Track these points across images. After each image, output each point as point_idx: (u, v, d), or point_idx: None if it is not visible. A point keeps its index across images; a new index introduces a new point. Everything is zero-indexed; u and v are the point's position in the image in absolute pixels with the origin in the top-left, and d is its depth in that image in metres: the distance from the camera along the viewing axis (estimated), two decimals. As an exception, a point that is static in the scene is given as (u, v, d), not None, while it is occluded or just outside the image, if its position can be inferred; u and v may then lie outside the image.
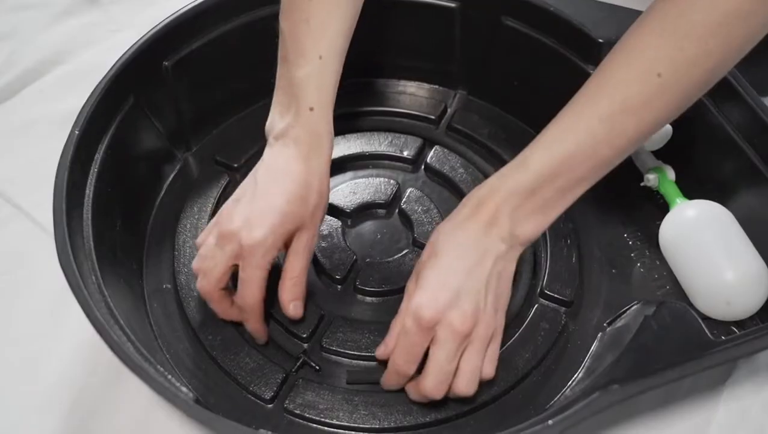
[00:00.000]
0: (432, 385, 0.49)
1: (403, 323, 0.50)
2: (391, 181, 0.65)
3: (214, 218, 0.55)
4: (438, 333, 0.49)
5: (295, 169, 0.53)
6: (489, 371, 0.51)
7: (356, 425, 0.52)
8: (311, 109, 0.54)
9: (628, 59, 0.48)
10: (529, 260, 0.61)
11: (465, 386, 0.50)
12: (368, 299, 0.59)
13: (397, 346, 0.50)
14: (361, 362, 0.55)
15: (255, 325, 0.54)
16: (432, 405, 0.52)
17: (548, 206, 0.50)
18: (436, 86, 0.75)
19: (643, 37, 0.47)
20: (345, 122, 0.71)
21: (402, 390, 0.52)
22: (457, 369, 0.49)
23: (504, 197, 0.49)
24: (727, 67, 0.47)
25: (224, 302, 0.54)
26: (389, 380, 0.52)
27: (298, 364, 0.55)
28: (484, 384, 0.52)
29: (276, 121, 0.55)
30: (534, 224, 0.50)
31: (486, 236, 0.50)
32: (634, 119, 0.47)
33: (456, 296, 0.48)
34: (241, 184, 0.55)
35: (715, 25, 0.44)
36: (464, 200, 0.52)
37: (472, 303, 0.49)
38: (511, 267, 0.52)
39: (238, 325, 0.56)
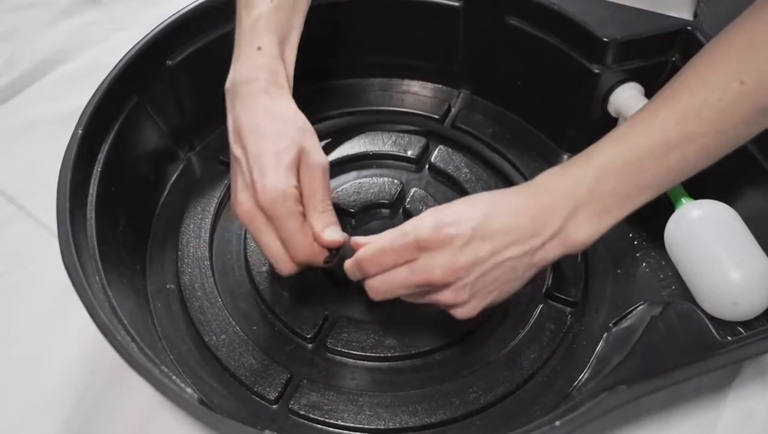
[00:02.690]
0: (374, 287, 0.47)
1: (399, 227, 0.47)
2: (395, 181, 0.65)
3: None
4: (419, 260, 0.45)
5: (262, 110, 0.50)
6: (400, 294, 0.48)
7: (361, 426, 0.51)
8: (259, 48, 0.52)
9: (709, 69, 0.46)
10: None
11: (378, 286, 0.47)
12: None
13: (378, 240, 0.47)
14: (366, 362, 0.55)
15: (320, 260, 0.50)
16: (437, 405, 0.52)
17: (605, 211, 0.46)
18: (440, 86, 0.75)
19: (730, 47, 0.46)
20: (349, 122, 0.72)
21: (403, 389, 0.53)
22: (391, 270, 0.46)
23: (562, 193, 0.46)
24: None
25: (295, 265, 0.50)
26: (348, 266, 0.49)
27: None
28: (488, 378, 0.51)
29: (230, 71, 0.53)
30: (587, 231, 0.47)
31: (528, 221, 0.46)
32: (711, 127, 0.45)
33: (463, 244, 0.45)
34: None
35: None
36: (519, 185, 0.49)
37: (467, 262, 0.45)
38: (526, 274, 0.48)
39: (242, 325, 0.56)
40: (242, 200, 0.49)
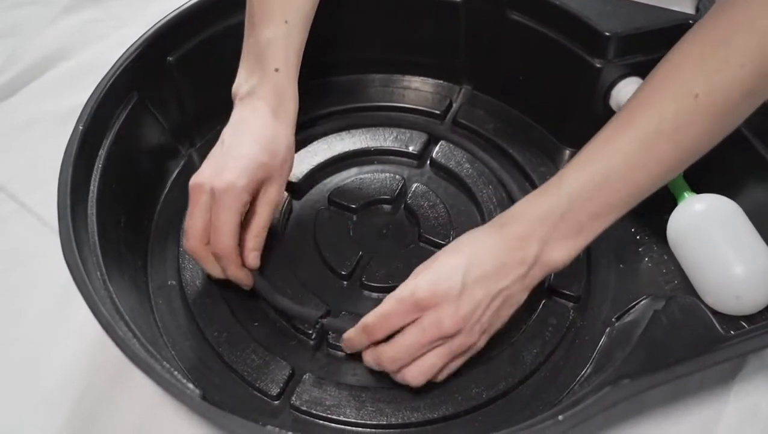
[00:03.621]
0: (391, 357, 0.49)
1: (395, 294, 0.49)
2: (397, 176, 0.65)
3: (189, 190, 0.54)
4: (423, 319, 0.48)
5: (262, 123, 0.55)
6: (442, 378, 0.51)
7: (363, 421, 0.51)
8: (276, 70, 0.56)
9: (665, 83, 0.47)
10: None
11: (416, 376, 0.49)
12: (374, 294, 0.59)
13: (379, 308, 0.49)
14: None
15: (235, 271, 0.54)
16: (440, 401, 0.52)
17: (580, 231, 0.48)
18: (442, 81, 0.75)
19: (681, 62, 0.47)
20: (350, 118, 0.71)
21: (405, 385, 0.52)
22: (418, 357, 0.49)
23: (535, 220, 0.48)
24: (764, 94, 0.47)
25: (212, 258, 0.54)
26: (353, 334, 0.51)
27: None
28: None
29: (242, 83, 0.57)
30: (564, 251, 0.49)
31: (508, 254, 0.48)
32: (671, 142, 0.46)
33: (459, 294, 0.47)
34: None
35: (754, 47, 0.44)
36: (495, 219, 0.51)
37: (469, 309, 0.48)
38: (521, 297, 0.50)
39: (243, 321, 0.56)
40: (204, 170, 0.53)
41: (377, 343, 0.51)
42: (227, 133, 0.55)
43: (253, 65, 0.57)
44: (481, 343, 0.50)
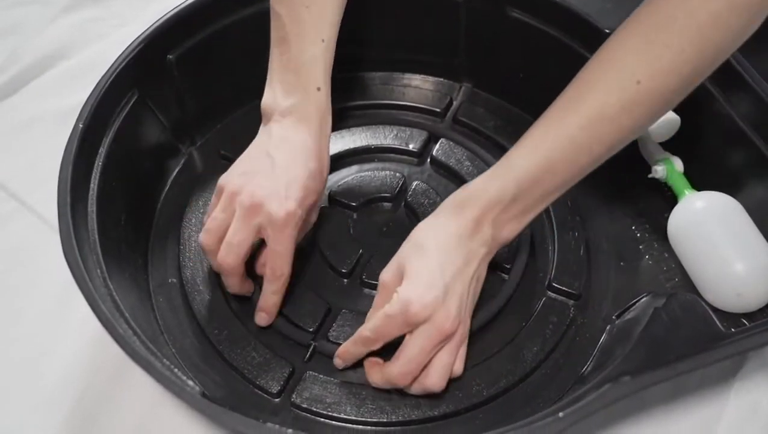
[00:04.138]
0: (399, 372, 0.50)
1: (387, 311, 0.50)
2: (397, 174, 0.65)
3: (225, 192, 0.54)
4: (422, 329, 0.49)
5: (311, 146, 0.55)
6: (459, 368, 0.52)
7: (364, 419, 0.51)
8: (318, 89, 0.56)
9: (608, 67, 0.49)
10: (538, 252, 0.61)
11: (438, 381, 0.50)
12: (374, 292, 0.58)
13: (373, 320, 0.51)
14: (369, 355, 0.54)
15: (280, 295, 0.55)
16: (440, 398, 0.52)
17: (527, 211, 0.52)
18: (442, 79, 0.75)
19: (623, 46, 0.49)
20: (350, 116, 0.71)
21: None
22: (429, 365, 0.50)
23: (487, 204, 0.51)
24: (703, 75, 0.49)
25: (242, 276, 0.55)
26: (350, 346, 0.52)
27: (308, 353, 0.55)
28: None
29: (279, 98, 0.56)
30: (512, 228, 0.52)
31: (470, 239, 0.51)
32: (613, 125, 0.49)
33: (443, 296, 0.49)
34: (245, 156, 0.56)
35: (693, 33, 0.46)
36: (446, 201, 0.53)
37: (457, 304, 0.50)
38: (484, 270, 0.53)
39: (244, 319, 0.56)
40: (247, 179, 0.54)
41: (373, 359, 0.53)
42: (274, 147, 0.55)
43: (293, 82, 0.56)
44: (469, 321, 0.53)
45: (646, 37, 0.48)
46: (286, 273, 0.54)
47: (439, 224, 0.52)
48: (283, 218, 0.52)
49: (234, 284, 0.55)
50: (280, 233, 0.52)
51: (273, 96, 0.56)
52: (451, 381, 0.52)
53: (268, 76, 0.57)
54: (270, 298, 0.55)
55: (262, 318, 0.55)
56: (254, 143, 0.57)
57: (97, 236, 0.52)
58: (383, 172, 0.65)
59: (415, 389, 0.51)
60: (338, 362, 0.54)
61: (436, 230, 0.52)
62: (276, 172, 0.53)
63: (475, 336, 0.55)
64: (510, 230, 0.52)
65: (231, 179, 0.54)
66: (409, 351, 0.49)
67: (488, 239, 0.51)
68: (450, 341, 0.50)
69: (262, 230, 0.53)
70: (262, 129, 0.57)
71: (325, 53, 0.56)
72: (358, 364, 0.54)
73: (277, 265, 0.53)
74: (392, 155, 0.68)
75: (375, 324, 0.50)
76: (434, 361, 0.50)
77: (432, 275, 0.49)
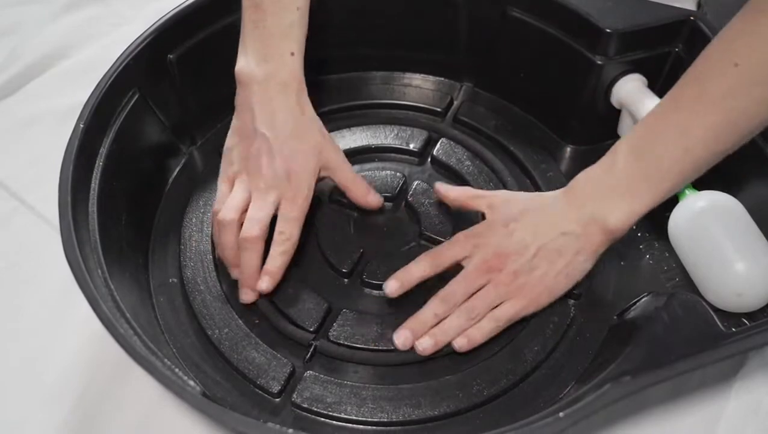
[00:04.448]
0: (457, 323, 0.53)
1: (480, 254, 0.53)
2: (398, 174, 0.65)
3: (238, 176, 0.58)
4: (495, 277, 0.53)
5: (304, 117, 0.58)
6: (475, 335, 0.54)
7: (364, 418, 0.51)
8: (292, 54, 0.58)
9: (708, 53, 0.49)
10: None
11: (484, 333, 0.53)
12: (375, 292, 0.59)
13: (460, 275, 0.54)
14: (369, 355, 0.55)
15: (286, 258, 0.56)
16: (441, 398, 0.52)
17: (630, 192, 0.51)
18: (442, 78, 0.74)
19: (727, 35, 0.49)
20: (350, 115, 0.71)
21: (406, 382, 0.52)
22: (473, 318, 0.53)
23: (588, 179, 0.53)
24: None
25: (261, 253, 0.56)
26: (411, 266, 0.55)
27: (308, 353, 0.55)
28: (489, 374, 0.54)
29: (253, 66, 0.57)
30: (618, 212, 0.51)
31: (564, 209, 0.53)
32: (718, 110, 0.48)
33: (506, 234, 0.54)
34: (236, 128, 0.59)
35: None
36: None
37: (516, 247, 0.53)
38: (574, 260, 0.53)
39: (245, 319, 0.56)
40: (265, 171, 0.57)
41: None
42: (267, 120, 0.57)
43: (265, 49, 0.57)
44: (519, 304, 0.54)
45: (751, 21, 0.47)
46: (295, 236, 0.56)
47: (535, 193, 0.58)
48: (297, 191, 0.56)
49: (251, 259, 0.55)
50: (293, 204, 0.56)
51: (246, 62, 0.58)
52: (451, 381, 0.52)
53: (241, 42, 0.58)
54: (277, 259, 0.56)
55: (265, 282, 0.55)
56: (241, 118, 0.58)
57: (97, 236, 0.52)
58: (384, 172, 0.65)
59: (459, 341, 0.53)
60: (393, 285, 0.55)
61: (533, 194, 0.57)
62: (284, 147, 0.56)
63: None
64: (617, 214, 0.52)
65: (241, 156, 0.58)
66: (479, 297, 0.53)
67: (586, 218, 0.52)
68: (498, 275, 0.53)
69: (279, 204, 0.56)
70: (242, 100, 0.58)
71: (301, 19, 0.58)
72: (359, 364, 0.54)
73: (287, 228, 0.56)
74: (393, 154, 0.68)
75: (461, 276, 0.54)
76: (477, 300, 0.53)
77: (527, 236, 0.53)
